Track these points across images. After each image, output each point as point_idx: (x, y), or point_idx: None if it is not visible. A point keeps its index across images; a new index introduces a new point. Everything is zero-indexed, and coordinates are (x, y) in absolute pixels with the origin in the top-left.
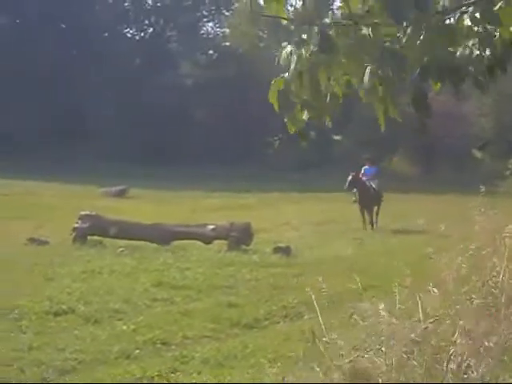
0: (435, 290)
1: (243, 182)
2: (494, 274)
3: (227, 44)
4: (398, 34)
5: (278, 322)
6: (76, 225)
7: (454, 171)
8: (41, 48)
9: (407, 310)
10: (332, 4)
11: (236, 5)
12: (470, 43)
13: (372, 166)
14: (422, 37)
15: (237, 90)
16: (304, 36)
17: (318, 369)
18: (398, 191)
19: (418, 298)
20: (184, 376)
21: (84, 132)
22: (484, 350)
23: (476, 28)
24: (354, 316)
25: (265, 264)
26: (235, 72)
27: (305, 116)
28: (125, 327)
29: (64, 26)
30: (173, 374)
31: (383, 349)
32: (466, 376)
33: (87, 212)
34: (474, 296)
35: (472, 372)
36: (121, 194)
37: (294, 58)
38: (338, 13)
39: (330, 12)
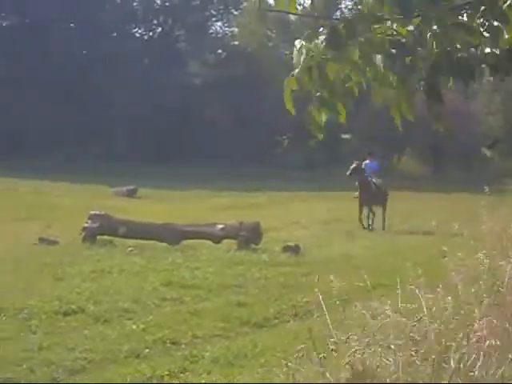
0: (444, 290)
1: (252, 181)
2: (503, 273)
3: (236, 43)
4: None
5: (288, 321)
6: (86, 224)
7: (462, 170)
8: (50, 48)
9: (416, 308)
10: (340, 3)
11: (244, 4)
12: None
13: (373, 161)
14: (433, 32)
15: (245, 90)
16: (314, 30)
17: (326, 367)
18: (406, 190)
19: (426, 297)
20: (194, 375)
21: (93, 131)
22: (492, 349)
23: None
24: (363, 315)
25: (274, 263)
26: (244, 71)
27: (324, 117)
28: (134, 326)
29: (73, 25)
30: (182, 374)
31: (392, 347)
32: (473, 374)
33: (97, 212)
34: (483, 295)
35: (480, 371)
36: (130, 194)
37: (304, 52)
38: (346, 11)
39: (339, 9)
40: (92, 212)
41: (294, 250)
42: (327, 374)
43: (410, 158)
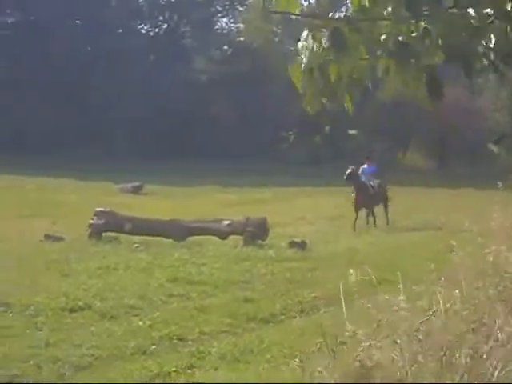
0: (451, 284)
1: (258, 176)
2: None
3: (241, 39)
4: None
5: (294, 317)
6: (91, 221)
7: (468, 165)
8: (55, 45)
9: (423, 303)
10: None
11: (250, 0)
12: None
13: (371, 165)
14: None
15: (251, 86)
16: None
17: (334, 362)
18: (412, 184)
19: (433, 291)
20: (200, 371)
21: (98, 128)
22: (499, 343)
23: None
24: (370, 310)
25: (280, 258)
26: (249, 67)
27: (325, 101)
28: (141, 323)
29: (79, 22)
30: (189, 370)
31: (398, 342)
32: (479, 368)
33: (102, 208)
34: (490, 291)
35: (486, 365)
36: (136, 191)
37: (306, 53)
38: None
39: (344, 7)
40: (98, 209)
41: (300, 245)
42: (336, 367)
43: (415, 153)
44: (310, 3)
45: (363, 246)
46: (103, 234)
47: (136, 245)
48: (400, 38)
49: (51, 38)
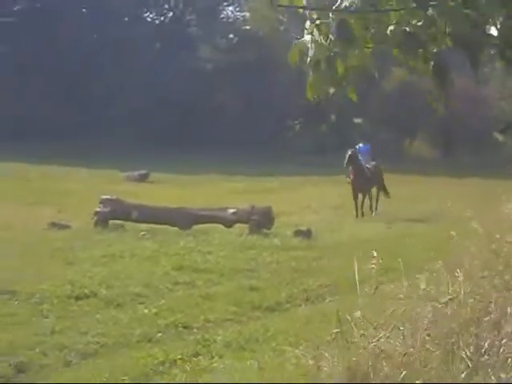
0: (457, 273)
1: (263, 165)
2: None
3: (247, 28)
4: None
5: (300, 305)
6: (97, 209)
7: (473, 154)
8: (61, 32)
9: (428, 292)
10: None
11: None
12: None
13: (365, 145)
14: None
15: (257, 74)
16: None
17: (339, 350)
18: (417, 174)
19: (438, 280)
20: (206, 359)
21: (104, 116)
22: (504, 334)
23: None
24: (376, 298)
25: (286, 247)
26: (255, 56)
27: (331, 90)
28: (146, 311)
29: (85, 10)
30: (195, 358)
31: (405, 331)
32: (484, 359)
33: (108, 196)
34: (495, 280)
35: (491, 355)
36: (142, 179)
37: (313, 45)
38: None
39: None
40: (103, 196)
41: (306, 234)
42: (342, 356)
43: (420, 142)
44: None
45: (368, 234)
46: (109, 222)
47: (142, 233)
48: (407, 29)
49: (57, 26)
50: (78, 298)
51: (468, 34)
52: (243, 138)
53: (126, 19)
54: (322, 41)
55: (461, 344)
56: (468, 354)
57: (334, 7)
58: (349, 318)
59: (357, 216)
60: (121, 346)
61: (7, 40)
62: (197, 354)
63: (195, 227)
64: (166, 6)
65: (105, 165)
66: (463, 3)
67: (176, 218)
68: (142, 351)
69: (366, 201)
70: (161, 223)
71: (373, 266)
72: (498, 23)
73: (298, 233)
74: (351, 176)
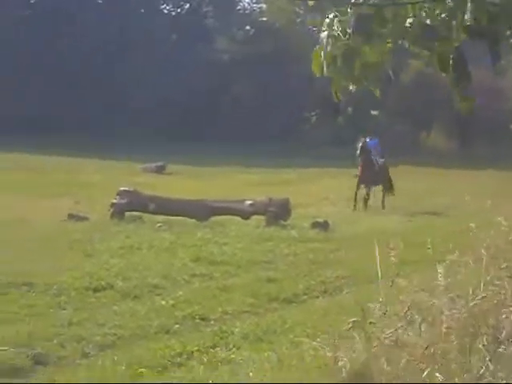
0: (475, 265)
1: (280, 157)
2: None
3: (264, 19)
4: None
5: (317, 297)
6: (115, 201)
7: (489, 147)
8: (79, 25)
9: (447, 283)
10: None
11: None
12: None
13: (373, 139)
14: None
15: (273, 66)
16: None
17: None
18: (434, 166)
19: (458, 272)
20: (223, 351)
21: (122, 110)
22: None
23: None
24: (394, 290)
25: (303, 239)
26: (272, 47)
27: (351, 87)
28: (164, 302)
29: (101, 1)
30: (212, 350)
31: (423, 323)
32: (501, 351)
33: (126, 188)
34: None
35: (507, 346)
36: (159, 170)
37: (329, 41)
38: None
39: None
40: (121, 188)
41: (323, 226)
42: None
43: (436, 134)
44: None
45: (386, 227)
46: (126, 214)
47: (159, 224)
48: (426, 21)
49: (73, 19)
50: (95, 290)
51: (486, 26)
52: (259, 129)
53: (143, 11)
54: (340, 34)
55: (479, 335)
56: (486, 345)
57: (352, 0)
58: (367, 309)
59: (354, 208)
60: (138, 338)
61: (27, 35)
62: (214, 346)
63: (212, 219)
64: None
65: (122, 157)
66: None
67: (193, 209)
68: (159, 343)
69: (361, 192)
70: (178, 215)
71: (391, 257)
72: None
73: (315, 225)
74: (359, 168)
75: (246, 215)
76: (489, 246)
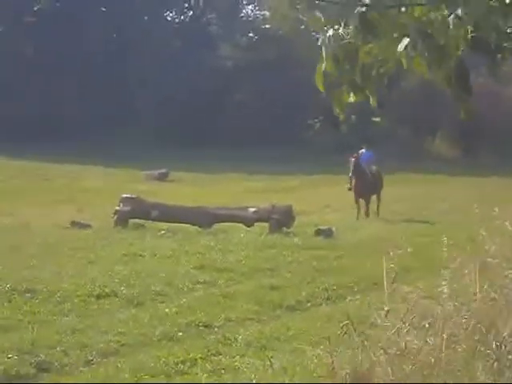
0: (479, 271)
1: (284, 164)
2: None
3: (267, 26)
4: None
5: (320, 304)
6: (118, 208)
7: (494, 154)
8: (81, 31)
9: (451, 290)
10: None
11: None
12: None
13: (368, 150)
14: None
15: (277, 73)
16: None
17: (360, 349)
18: (439, 173)
19: (462, 278)
20: (227, 358)
21: (124, 115)
22: None
23: None
24: (397, 296)
25: (306, 246)
26: (275, 54)
27: (351, 98)
28: (167, 310)
29: (104, 9)
30: (215, 357)
31: (427, 329)
32: (510, 356)
33: (128, 195)
34: None
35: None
36: (162, 178)
37: (332, 40)
38: None
39: None
40: (124, 195)
41: (327, 233)
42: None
43: (439, 141)
44: None
45: (389, 233)
46: (129, 221)
47: (162, 231)
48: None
49: (77, 25)
50: (98, 297)
51: (489, 37)
52: (262, 136)
53: (146, 18)
54: (343, 33)
55: (484, 342)
56: (492, 351)
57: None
58: (370, 316)
59: (357, 218)
60: (141, 345)
61: (32, 41)
62: (218, 353)
63: (215, 226)
64: (186, 5)
65: (125, 163)
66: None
67: (196, 217)
68: (162, 350)
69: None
70: (181, 222)
71: (395, 264)
72: None
73: (318, 232)
74: (352, 181)
75: (249, 222)
76: (493, 252)
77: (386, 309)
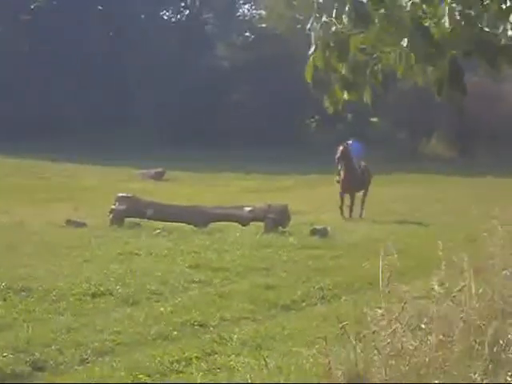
0: (476, 271)
1: (280, 163)
2: None
3: (264, 25)
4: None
5: (315, 304)
6: (113, 207)
7: (491, 154)
8: (78, 30)
9: (446, 290)
10: None
11: None
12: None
13: (356, 142)
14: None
15: (273, 72)
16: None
17: (356, 349)
18: (435, 173)
19: (457, 279)
20: (222, 358)
21: (121, 114)
22: None
23: None
24: (392, 296)
25: (302, 246)
26: (272, 54)
27: (345, 95)
28: (162, 309)
29: (101, 8)
30: (211, 356)
31: (423, 330)
32: (505, 357)
33: (124, 194)
34: None
35: (507, 351)
36: (158, 177)
37: (321, 27)
38: None
39: None
40: (119, 194)
41: (322, 232)
42: (357, 355)
43: (436, 141)
44: None
45: (384, 233)
46: (125, 220)
47: (157, 230)
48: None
49: (74, 24)
50: (94, 296)
51: (488, 39)
52: (259, 136)
53: (143, 17)
54: (334, 21)
55: (480, 342)
56: (487, 351)
57: None
58: (365, 316)
59: (341, 214)
60: (137, 344)
61: (30, 40)
62: (213, 353)
63: (211, 225)
64: (183, 4)
65: (121, 162)
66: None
67: (192, 216)
68: (157, 349)
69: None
70: (177, 221)
71: (389, 264)
72: None
73: (314, 231)
74: (341, 174)
75: (244, 221)
76: (490, 253)
77: (381, 309)
